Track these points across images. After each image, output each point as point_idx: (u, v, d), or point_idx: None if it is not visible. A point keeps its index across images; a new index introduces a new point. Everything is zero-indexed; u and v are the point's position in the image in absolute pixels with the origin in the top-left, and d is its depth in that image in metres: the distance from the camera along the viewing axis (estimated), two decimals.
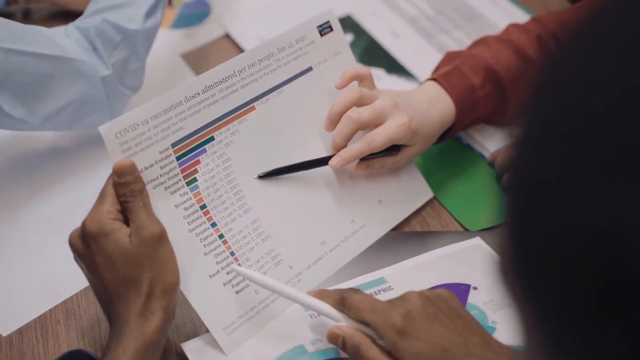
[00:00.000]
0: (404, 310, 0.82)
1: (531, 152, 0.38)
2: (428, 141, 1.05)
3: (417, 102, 1.04)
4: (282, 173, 0.98)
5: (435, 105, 1.05)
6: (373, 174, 1.05)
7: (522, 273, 0.38)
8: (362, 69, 1.02)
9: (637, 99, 0.34)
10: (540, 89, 0.38)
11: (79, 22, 1.14)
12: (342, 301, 0.86)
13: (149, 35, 1.17)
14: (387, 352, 0.82)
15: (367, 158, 1.00)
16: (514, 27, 1.19)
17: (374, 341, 0.84)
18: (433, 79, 1.09)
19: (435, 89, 1.08)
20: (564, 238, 0.35)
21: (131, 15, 1.14)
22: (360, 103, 0.99)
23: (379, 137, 0.98)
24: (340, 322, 0.86)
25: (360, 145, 0.98)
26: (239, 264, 0.93)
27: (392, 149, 1.01)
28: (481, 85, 1.09)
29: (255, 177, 0.97)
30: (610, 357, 0.34)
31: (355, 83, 1.02)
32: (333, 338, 0.85)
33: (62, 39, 1.09)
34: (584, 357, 0.36)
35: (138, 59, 1.15)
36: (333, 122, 1.00)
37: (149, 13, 1.16)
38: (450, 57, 1.14)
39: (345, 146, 0.99)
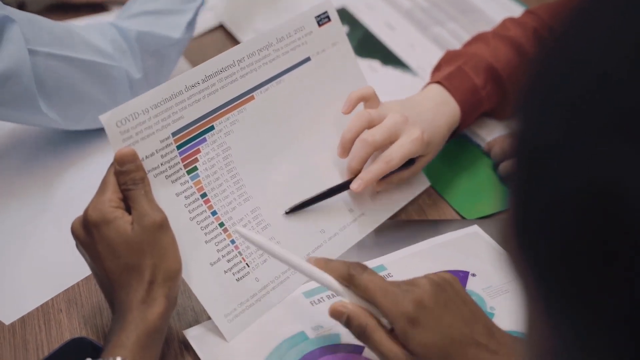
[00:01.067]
0: (416, 298, 0.80)
1: (534, 118, 0.39)
2: (439, 147, 1.07)
3: (424, 110, 1.05)
4: (308, 205, 1.00)
5: (442, 110, 1.06)
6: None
7: (524, 238, 0.39)
8: (365, 89, 1.03)
9: (635, 63, 0.35)
10: (542, 59, 0.39)
11: (119, 21, 1.16)
12: (350, 278, 0.83)
13: (184, 44, 1.21)
14: (392, 334, 0.82)
15: (385, 175, 1.01)
16: (510, 21, 1.19)
17: (379, 322, 0.82)
18: (437, 82, 1.09)
19: (439, 92, 1.08)
20: (566, 199, 0.36)
21: (174, 24, 1.17)
22: (370, 125, 1.00)
23: (396, 155, 0.99)
24: (344, 298, 0.84)
25: (378, 165, 0.99)
26: (239, 253, 0.94)
27: (408, 162, 1.02)
28: (483, 85, 1.10)
29: (283, 215, 0.98)
30: (612, 317, 0.35)
31: (361, 105, 1.03)
32: (337, 314, 0.82)
33: (97, 39, 1.12)
34: (586, 319, 0.36)
35: (169, 65, 1.18)
36: (346, 149, 1.01)
37: (191, 22, 1.19)
38: (450, 57, 1.14)
39: (361, 169, 1.00)
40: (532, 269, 0.39)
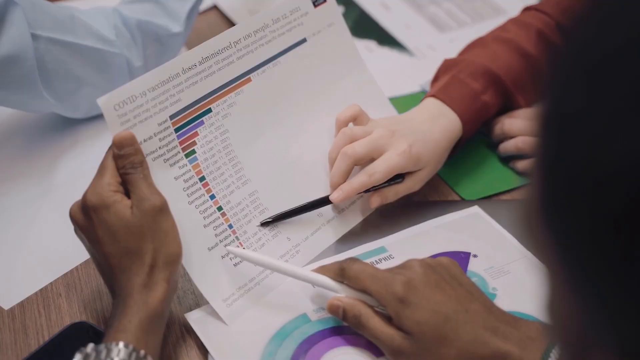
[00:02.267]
0: (405, 279, 0.83)
1: (559, 91, 0.38)
2: (438, 161, 1.03)
3: (417, 123, 1.02)
4: (284, 218, 0.97)
5: (438, 122, 1.02)
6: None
7: (549, 209, 0.38)
8: (351, 108, 1.01)
9: None
10: (566, 35, 0.39)
11: (121, 6, 1.16)
12: (342, 272, 0.87)
13: (185, 35, 1.21)
14: (389, 320, 0.83)
15: (377, 189, 0.99)
16: (512, 23, 1.16)
17: (374, 310, 0.84)
18: (432, 95, 1.06)
19: (435, 105, 1.05)
20: (592, 169, 0.35)
21: (174, 14, 1.17)
22: (354, 141, 0.98)
23: (379, 168, 0.96)
24: (340, 294, 0.87)
25: (360, 178, 0.97)
26: (236, 237, 0.94)
27: (397, 178, 0.99)
28: (483, 90, 1.06)
29: (258, 225, 0.96)
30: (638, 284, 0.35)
31: (350, 125, 1.01)
32: (333, 310, 0.86)
33: (100, 25, 1.12)
34: (611, 288, 0.36)
35: (170, 55, 1.18)
36: (332, 165, 1.00)
37: (192, 10, 1.20)
38: (447, 66, 1.11)
39: (343, 182, 0.98)
40: (559, 244, 0.38)
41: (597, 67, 0.36)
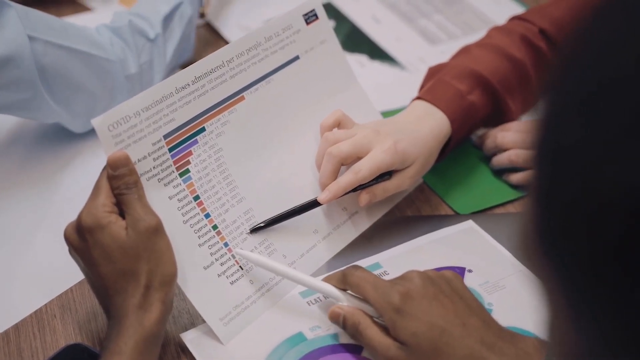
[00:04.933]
0: (403, 289, 0.83)
1: (555, 121, 0.38)
2: (426, 159, 1.02)
3: (403, 123, 1.02)
4: (274, 223, 0.97)
5: (425, 122, 1.03)
6: None
7: (547, 239, 0.39)
8: (335, 113, 1.01)
9: None
10: (560, 63, 0.39)
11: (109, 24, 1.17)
12: (344, 278, 0.88)
13: (175, 42, 1.22)
14: (386, 330, 0.83)
15: (364, 187, 0.98)
16: (495, 30, 1.17)
17: (373, 320, 0.85)
18: (418, 97, 1.07)
19: (422, 106, 1.05)
20: (588, 198, 0.36)
21: (151, 22, 1.18)
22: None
23: (365, 165, 0.96)
24: (343, 302, 0.87)
25: (347, 177, 0.97)
26: (232, 256, 0.93)
27: (384, 175, 0.99)
28: (469, 91, 1.07)
29: (248, 233, 0.96)
30: (637, 313, 0.35)
31: (335, 130, 1.01)
32: (334, 317, 0.87)
33: (93, 34, 1.13)
34: (611, 317, 0.36)
35: (160, 61, 1.19)
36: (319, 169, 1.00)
37: (170, 15, 1.20)
38: (432, 73, 1.11)
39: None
40: (559, 271, 0.38)
41: (593, 97, 0.36)
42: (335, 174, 0.98)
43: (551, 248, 0.39)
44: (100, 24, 1.17)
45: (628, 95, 0.35)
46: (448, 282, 0.85)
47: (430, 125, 1.03)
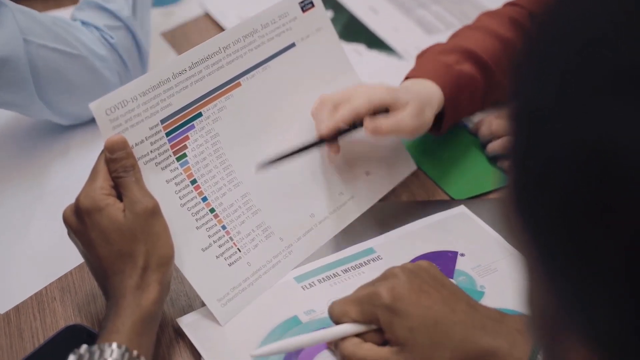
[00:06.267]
0: (390, 286, 0.82)
1: (530, 82, 0.40)
2: (421, 105, 1.00)
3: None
4: (279, 161, 0.98)
5: (416, 85, 1.04)
6: (359, 146, 1.06)
7: (522, 200, 0.40)
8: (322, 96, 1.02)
9: (627, 26, 0.36)
10: (536, 27, 0.41)
11: (79, 14, 1.16)
12: (331, 316, 0.86)
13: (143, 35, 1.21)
14: (373, 342, 0.83)
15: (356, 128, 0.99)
16: (484, 15, 1.18)
17: (364, 340, 0.83)
18: (406, 78, 1.08)
19: (411, 81, 1.06)
20: (562, 158, 0.37)
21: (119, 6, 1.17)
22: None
23: (360, 95, 0.98)
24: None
25: (342, 110, 0.97)
26: (230, 238, 0.95)
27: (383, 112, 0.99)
28: (457, 62, 1.07)
29: (255, 172, 0.97)
30: (611, 273, 0.36)
31: None
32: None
33: (86, 37, 1.13)
34: (585, 278, 0.37)
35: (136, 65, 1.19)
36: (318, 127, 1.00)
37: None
38: (419, 56, 1.13)
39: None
40: (531, 231, 0.40)
41: (567, 63, 0.38)
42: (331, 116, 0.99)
43: (525, 207, 0.40)
44: (92, 25, 1.16)
45: (598, 56, 0.36)
46: (427, 272, 0.85)
47: (422, 86, 1.03)
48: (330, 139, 0.99)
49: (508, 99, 0.41)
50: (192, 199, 0.93)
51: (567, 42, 0.38)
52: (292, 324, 0.91)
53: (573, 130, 0.36)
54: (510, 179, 0.41)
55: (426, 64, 1.08)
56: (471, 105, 1.11)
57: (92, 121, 0.86)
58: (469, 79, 1.08)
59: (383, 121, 0.97)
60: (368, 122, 0.97)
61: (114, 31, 1.16)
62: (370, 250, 1.00)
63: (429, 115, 1.01)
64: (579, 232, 0.37)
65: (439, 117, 1.06)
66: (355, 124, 0.99)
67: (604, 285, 0.36)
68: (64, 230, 0.88)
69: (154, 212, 0.85)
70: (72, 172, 1.13)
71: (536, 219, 0.39)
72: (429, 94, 1.03)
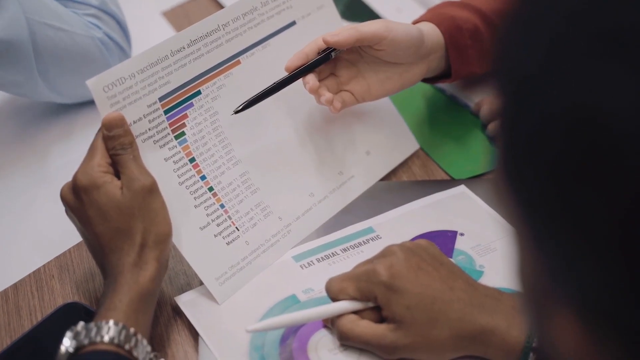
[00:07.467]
0: (388, 264, 0.83)
1: (517, 49, 0.39)
2: (413, 36, 0.96)
3: None
4: (256, 102, 0.95)
5: (413, 27, 0.99)
6: (360, 125, 1.06)
7: (512, 168, 0.40)
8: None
9: None
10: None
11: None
12: (328, 293, 0.86)
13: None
14: (370, 319, 0.83)
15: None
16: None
17: (361, 317, 0.83)
18: None
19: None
20: (551, 123, 0.37)
21: None
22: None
23: (345, 29, 0.95)
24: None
25: (326, 35, 0.95)
26: (229, 217, 0.94)
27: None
28: (452, 9, 1.04)
29: (232, 114, 0.94)
30: (601, 240, 0.36)
31: None
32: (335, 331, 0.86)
33: (82, 20, 1.13)
34: (575, 245, 0.37)
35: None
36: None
37: None
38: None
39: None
40: (521, 198, 0.39)
41: (554, 28, 0.37)
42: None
43: (511, 173, 0.40)
44: (90, 18, 1.16)
45: (585, 20, 0.36)
46: (426, 250, 0.85)
47: (420, 26, 1.00)
48: (300, 73, 0.95)
49: (495, 66, 0.41)
50: (190, 177, 0.93)
51: (555, 7, 0.37)
52: (290, 303, 0.91)
53: (562, 94, 0.36)
54: (500, 146, 0.40)
55: (429, 12, 1.05)
56: (478, 54, 1.05)
57: (93, 103, 0.86)
58: (464, 21, 1.03)
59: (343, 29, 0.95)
60: (329, 36, 0.94)
61: (97, 19, 1.16)
62: (370, 230, 0.99)
63: (416, 33, 0.97)
64: (569, 198, 0.36)
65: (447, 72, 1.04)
66: (327, 54, 0.96)
67: (595, 253, 0.36)
68: (62, 207, 0.88)
69: (152, 189, 0.85)
70: (72, 153, 1.12)
71: (526, 184, 0.39)
72: (419, 26, 1.00)
